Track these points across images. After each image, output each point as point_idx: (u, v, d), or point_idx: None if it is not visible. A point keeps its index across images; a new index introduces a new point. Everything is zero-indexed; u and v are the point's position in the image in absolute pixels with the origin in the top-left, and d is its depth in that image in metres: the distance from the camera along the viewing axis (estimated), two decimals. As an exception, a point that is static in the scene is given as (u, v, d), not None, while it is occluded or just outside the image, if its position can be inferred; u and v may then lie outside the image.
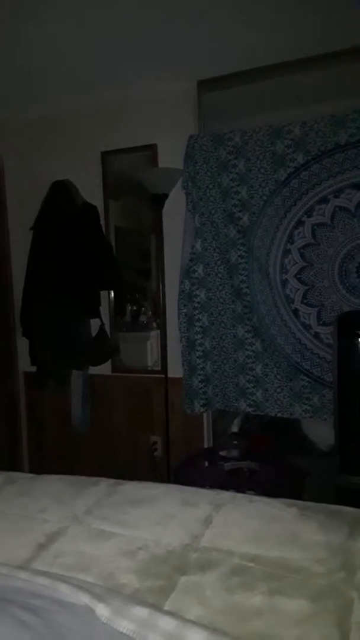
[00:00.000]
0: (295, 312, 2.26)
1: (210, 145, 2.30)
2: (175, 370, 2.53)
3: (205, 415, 2.61)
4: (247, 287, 2.33)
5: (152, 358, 2.80)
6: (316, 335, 2.24)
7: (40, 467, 2.86)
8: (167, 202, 2.40)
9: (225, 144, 2.26)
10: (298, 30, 2.00)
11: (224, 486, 1.70)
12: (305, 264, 2.22)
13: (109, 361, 2.74)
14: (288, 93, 2.37)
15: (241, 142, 2.24)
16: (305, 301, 2.24)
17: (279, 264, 2.26)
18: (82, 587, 0.88)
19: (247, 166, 2.24)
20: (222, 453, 2.44)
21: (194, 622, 0.81)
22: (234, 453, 2.43)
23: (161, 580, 0.96)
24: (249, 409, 2.43)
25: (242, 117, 2.46)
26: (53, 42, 2.02)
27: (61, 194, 2.56)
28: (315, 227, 2.17)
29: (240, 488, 1.87)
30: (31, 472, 1.64)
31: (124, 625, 0.79)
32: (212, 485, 1.71)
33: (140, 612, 0.82)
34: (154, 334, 2.78)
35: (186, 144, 2.35)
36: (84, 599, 0.85)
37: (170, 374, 2.54)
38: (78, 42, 2.04)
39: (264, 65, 2.25)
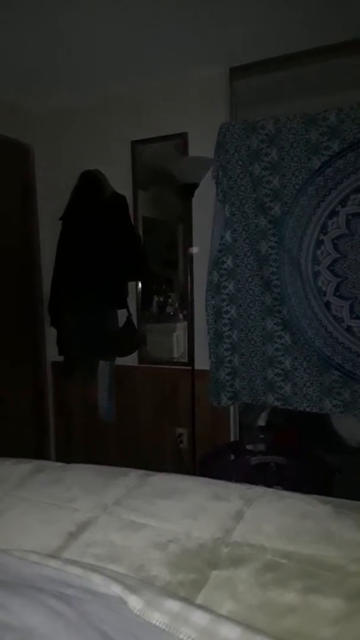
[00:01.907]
0: (327, 304, 2.21)
1: (242, 133, 2.26)
2: (202, 362, 2.51)
3: (231, 408, 2.59)
4: (278, 279, 2.29)
5: (178, 350, 2.79)
6: (348, 329, 2.19)
7: (67, 456, 2.89)
8: (196, 191, 2.37)
9: (258, 132, 2.22)
10: (333, 15, 1.94)
11: (250, 480, 1.68)
12: (338, 255, 2.16)
13: (136, 352, 2.74)
14: (323, 79, 2.32)
15: (274, 130, 2.18)
16: (337, 294, 2.18)
17: (311, 255, 2.21)
18: (114, 577, 0.87)
19: (280, 155, 2.19)
20: (249, 447, 2.42)
21: (227, 617, 0.79)
22: (261, 447, 2.41)
23: (193, 574, 0.94)
24: (277, 403, 2.40)
25: (276, 105, 2.41)
26: (84, 30, 2.01)
27: (90, 184, 2.56)
28: (349, 217, 2.11)
29: (267, 483, 1.85)
30: (58, 461, 1.65)
31: (156, 618, 0.78)
32: (238, 479, 1.69)
33: (173, 605, 0.80)
34: (181, 325, 2.77)
35: (217, 132, 2.31)
36: (116, 589, 0.84)
37: (197, 366, 2.52)
38: (109, 30, 2.01)
39: (298, 50, 2.19)
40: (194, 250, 2.47)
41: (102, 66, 2.34)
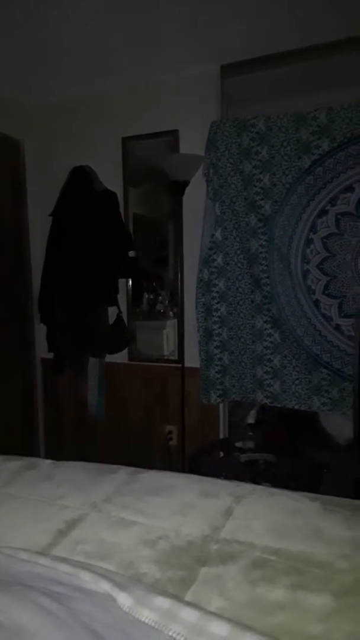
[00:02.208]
0: (316, 303, 2.23)
1: (232, 131, 2.26)
2: (192, 360, 2.52)
3: (221, 405, 2.59)
4: (267, 277, 2.30)
5: (168, 347, 2.79)
6: (337, 327, 2.21)
7: (56, 453, 2.88)
8: (187, 189, 2.37)
9: (249, 130, 2.22)
10: (325, 13, 1.94)
11: (239, 477, 1.69)
12: (327, 254, 2.17)
13: (126, 349, 2.74)
14: (314, 78, 2.31)
15: (265, 129, 2.19)
16: (326, 292, 2.20)
17: (301, 253, 2.22)
18: (103, 575, 0.87)
19: (271, 153, 2.20)
20: (238, 444, 2.43)
21: (216, 614, 0.80)
22: (250, 444, 2.42)
23: (182, 571, 0.95)
24: (266, 401, 2.41)
25: (266, 103, 2.41)
26: (75, 25, 1.99)
27: (81, 180, 2.55)
28: (339, 216, 2.12)
29: (256, 480, 1.86)
30: (47, 457, 1.64)
31: (146, 615, 0.78)
32: (227, 476, 1.70)
33: (162, 602, 0.80)
34: (171, 323, 2.77)
35: (208, 130, 2.31)
36: (105, 587, 0.84)
37: (187, 364, 2.53)
38: (100, 26, 2.00)
39: (289, 49, 2.20)
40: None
41: (94, 62, 2.32)
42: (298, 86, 2.34)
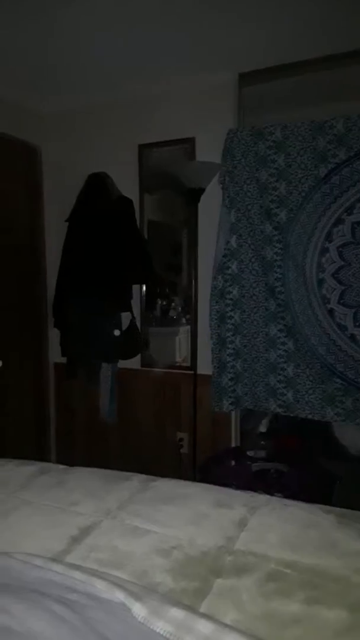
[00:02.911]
0: (331, 312, 2.21)
1: (249, 139, 2.26)
2: (205, 367, 2.51)
3: (233, 413, 2.58)
4: (282, 286, 2.29)
5: (180, 354, 2.79)
6: (352, 337, 2.19)
7: (67, 457, 2.88)
8: (202, 196, 2.37)
9: (265, 139, 2.22)
10: (343, 23, 1.94)
11: (250, 487, 1.68)
12: (343, 263, 2.16)
13: (138, 355, 2.74)
14: (331, 87, 2.31)
15: (282, 137, 2.19)
16: (342, 301, 2.18)
17: (316, 262, 2.21)
18: (117, 584, 0.87)
19: (287, 161, 2.19)
20: (250, 453, 2.42)
21: (231, 627, 0.79)
22: (262, 453, 2.40)
23: (196, 582, 0.94)
24: (279, 410, 2.39)
25: (283, 112, 2.41)
26: (92, 32, 2.01)
27: (97, 187, 2.56)
28: (355, 225, 2.11)
29: (267, 489, 1.84)
30: (58, 462, 1.64)
31: (160, 626, 0.77)
32: (239, 486, 1.69)
33: (177, 613, 0.80)
34: (184, 329, 2.77)
35: (225, 138, 2.32)
36: (119, 596, 0.84)
37: (199, 371, 2.52)
38: (118, 33, 2.02)
39: (307, 58, 2.20)
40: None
41: (111, 69, 2.34)
42: (315, 95, 2.33)
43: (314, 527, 1.12)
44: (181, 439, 2.69)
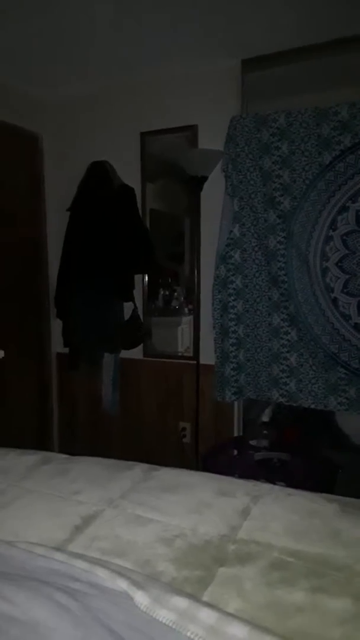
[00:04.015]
0: (335, 301, 2.19)
1: (252, 126, 2.23)
2: (207, 357, 2.50)
3: (235, 403, 2.58)
4: (285, 275, 2.27)
5: (183, 344, 2.78)
6: (356, 326, 2.17)
7: (70, 448, 2.89)
8: (205, 185, 2.35)
9: (269, 126, 2.19)
10: (348, 7, 1.90)
11: (253, 476, 1.67)
12: (347, 251, 2.14)
13: (141, 345, 2.73)
14: (335, 73, 2.27)
15: (285, 124, 2.16)
16: (345, 290, 2.17)
17: (320, 251, 2.19)
18: (120, 572, 0.87)
19: (291, 149, 2.16)
20: (252, 442, 2.41)
21: (235, 616, 0.78)
22: (264, 443, 2.40)
23: (199, 571, 0.94)
24: (282, 399, 2.38)
25: (287, 98, 2.37)
26: (93, 19, 1.98)
27: (99, 176, 2.54)
28: (360, 213, 2.09)
29: (270, 479, 1.84)
30: (60, 452, 1.64)
31: (163, 615, 0.77)
32: (241, 475, 1.68)
33: (180, 602, 0.79)
34: (186, 319, 2.75)
35: (228, 125, 2.28)
36: (122, 585, 0.83)
37: (202, 361, 2.51)
38: (118, 20, 1.98)
39: (311, 43, 2.16)
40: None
41: (113, 56, 2.31)
42: (320, 81, 2.30)
43: (317, 516, 1.11)
44: (184, 429, 2.69)
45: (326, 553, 0.98)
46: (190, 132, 2.47)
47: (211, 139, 2.37)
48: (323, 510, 1.15)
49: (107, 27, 2.05)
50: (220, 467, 2.09)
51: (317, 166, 2.13)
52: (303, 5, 1.88)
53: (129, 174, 2.60)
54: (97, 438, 2.94)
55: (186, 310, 2.80)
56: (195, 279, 2.54)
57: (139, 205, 2.61)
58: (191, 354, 2.61)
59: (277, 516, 1.11)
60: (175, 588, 0.86)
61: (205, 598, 0.87)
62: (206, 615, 0.77)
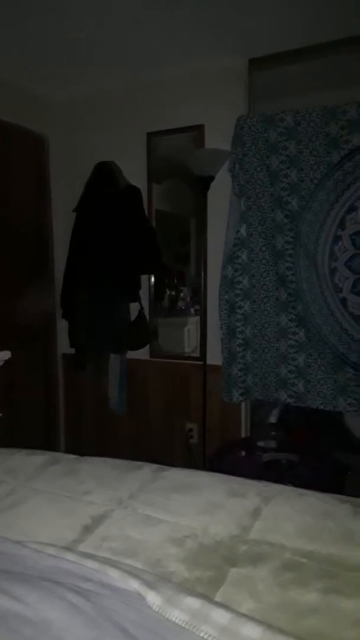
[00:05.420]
0: (344, 301, 2.18)
1: (260, 126, 2.22)
2: (215, 357, 2.49)
3: (243, 404, 2.56)
4: (293, 275, 2.26)
5: (189, 344, 2.77)
6: (365, 327, 2.16)
7: (76, 448, 2.88)
8: (212, 185, 2.34)
9: (276, 125, 2.18)
10: (355, 6, 1.89)
11: (261, 477, 1.66)
12: (356, 251, 2.13)
13: (147, 346, 2.72)
14: (343, 72, 2.27)
15: (293, 123, 2.15)
16: (354, 290, 2.15)
17: (328, 250, 2.17)
18: (132, 572, 0.86)
19: (299, 148, 2.15)
20: (260, 443, 2.40)
21: (248, 616, 0.78)
22: (272, 444, 2.38)
23: (211, 571, 0.93)
24: (290, 400, 2.37)
25: (295, 97, 2.37)
26: (99, 21, 1.98)
27: (105, 176, 2.54)
28: (369, 212, 2.07)
29: (278, 480, 1.82)
30: (67, 452, 1.63)
31: (176, 615, 0.76)
32: (249, 476, 1.67)
33: (193, 602, 0.78)
34: (193, 320, 2.74)
35: (235, 124, 2.28)
36: (134, 585, 0.83)
37: (209, 361, 2.50)
38: (125, 21, 1.98)
39: (319, 42, 2.15)
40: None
41: (119, 56, 2.31)
42: (328, 80, 2.29)
43: (330, 516, 1.10)
44: (191, 430, 2.68)
45: (339, 554, 0.97)
46: (197, 132, 2.47)
47: (218, 139, 2.37)
48: (335, 511, 1.13)
49: (113, 28, 2.04)
50: (228, 468, 2.07)
51: (326, 165, 2.12)
52: (310, 3, 1.88)
53: (135, 174, 2.59)
54: (103, 439, 2.93)
55: (192, 310, 2.79)
56: (202, 280, 2.53)
57: (145, 205, 2.61)
58: (198, 355, 2.61)
59: (289, 517, 1.10)
60: (188, 588, 0.85)
61: (217, 598, 0.86)
62: (219, 616, 0.76)
